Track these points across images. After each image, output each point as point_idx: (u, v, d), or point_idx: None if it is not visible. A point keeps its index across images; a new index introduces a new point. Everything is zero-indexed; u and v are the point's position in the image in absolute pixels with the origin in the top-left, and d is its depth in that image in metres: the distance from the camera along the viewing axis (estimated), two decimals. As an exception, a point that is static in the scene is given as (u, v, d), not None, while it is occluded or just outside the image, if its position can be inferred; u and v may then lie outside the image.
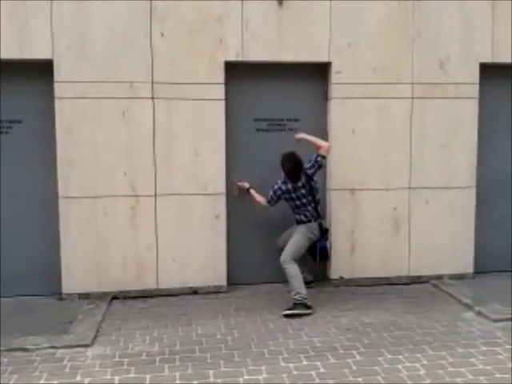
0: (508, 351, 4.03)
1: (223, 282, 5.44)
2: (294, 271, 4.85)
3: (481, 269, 5.90)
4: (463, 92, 5.66)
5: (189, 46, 5.24)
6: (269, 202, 5.09)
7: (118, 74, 5.15)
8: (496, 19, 5.64)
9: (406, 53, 5.56)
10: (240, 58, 5.32)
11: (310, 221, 4.96)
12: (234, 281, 5.54)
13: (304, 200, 4.92)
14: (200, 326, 4.56)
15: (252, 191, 5.28)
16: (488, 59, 5.67)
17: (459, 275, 5.81)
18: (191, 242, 5.36)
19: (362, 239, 5.64)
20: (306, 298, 4.80)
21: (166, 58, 5.21)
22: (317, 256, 5.04)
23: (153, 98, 5.22)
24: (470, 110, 5.70)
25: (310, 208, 4.95)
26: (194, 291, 5.39)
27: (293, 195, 4.92)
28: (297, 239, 4.95)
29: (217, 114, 5.32)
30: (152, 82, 5.20)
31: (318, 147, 5.04)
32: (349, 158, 5.56)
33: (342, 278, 5.65)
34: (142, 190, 5.27)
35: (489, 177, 5.92)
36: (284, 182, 4.95)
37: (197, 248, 5.37)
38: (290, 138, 5.23)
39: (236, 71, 5.39)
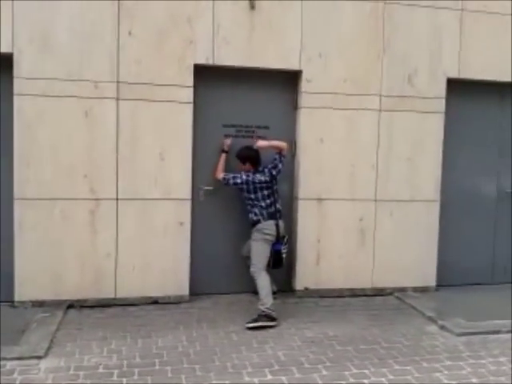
0: (472, 366, 4.02)
1: (185, 291, 5.27)
2: (261, 281, 4.76)
3: (443, 282, 5.94)
4: (430, 106, 5.70)
5: (157, 47, 5.08)
6: (223, 178, 5.06)
7: (81, 71, 4.94)
8: (463, 35, 5.72)
9: (375, 64, 5.56)
10: (210, 62, 5.20)
11: (259, 220, 4.88)
12: (196, 290, 5.38)
13: (259, 194, 4.90)
14: (160, 337, 4.38)
15: (223, 157, 5.23)
16: (455, 75, 5.74)
17: (422, 288, 5.83)
18: (153, 249, 5.18)
19: (328, 249, 5.58)
20: (271, 310, 4.70)
21: (133, 57, 5.04)
22: (270, 261, 4.88)
23: (118, 98, 5.03)
24: (436, 124, 5.74)
25: (263, 204, 4.89)
26: (154, 301, 5.20)
27: (250, 187, 4.89)
28: (254, 248, 4.87)
29: (184, 117, 5.18)
30: (117, 82, 5.02)
31: (280, 150, 5.11)
32: (316, 167, 5.51)
33: (306, 288, 5.57)
34: (102, 194, 5.06)
35: (453, 191, 5.98)
36: (247, 175, 4.94)
37: (159, 256, 5.19)
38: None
39: (206, 75, 5.27)
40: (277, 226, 4.90)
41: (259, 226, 4.88)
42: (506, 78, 5.87)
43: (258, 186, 4.91)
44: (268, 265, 4.90)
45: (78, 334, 4.38)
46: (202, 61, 5.18)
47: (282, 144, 5.13)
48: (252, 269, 4.84)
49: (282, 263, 4.96)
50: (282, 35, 5.32)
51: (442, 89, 5.72)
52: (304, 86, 5.42)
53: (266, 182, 4.94)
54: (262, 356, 4.08)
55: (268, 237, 4.86)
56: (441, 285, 5.91)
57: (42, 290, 4.97)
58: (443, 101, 5.73)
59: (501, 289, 6.00)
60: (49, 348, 4.05)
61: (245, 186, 4.92)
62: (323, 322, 4.87)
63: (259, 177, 4.93)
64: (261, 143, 5.10)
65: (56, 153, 4.95)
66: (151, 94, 5.09)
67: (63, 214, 4.99)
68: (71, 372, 3.71)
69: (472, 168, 6.09)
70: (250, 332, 4.56)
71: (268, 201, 4.92)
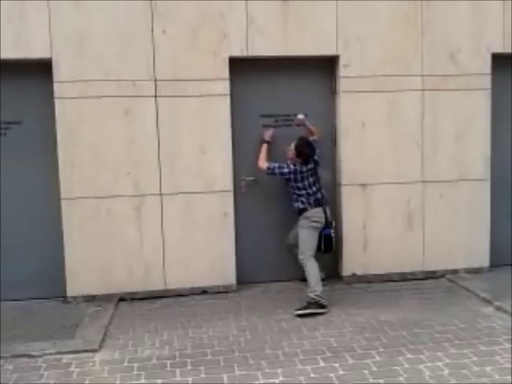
0: (533, 348, 3.87)
1: (233, 281, 5.28)
2: (310, 268, 4.71)
3: (497, 262, 5.72)
4: (475, 83, 5.48)
5: (192, 42, 5.06)
6: (268, 168, 4.93)
7: (119, 71, 4.98)
8: (507, 8, 5.44)
9: (415, 44, 5.37)
10: (245, 54, 5.15)
11: (305, 208, 4.81)
12: (243, 279, 5.37)
13: (306, 182, 4.82)
14: (211, 327, 4.40)
15: (265, 147, 5.13)
16: (500, 49, 5.49)
17: (475, 269, 5.64)
18: (199, 240, 5.20)
19: (375, 235, 5.47)
20: (320, 297, 4.65)
21: (169, 54, 5.04)
22: (321, 245, 4.83)
23: (156, 95, 5.05)
24: (482, 102, 5.51)
25: (310, 191, 4.82)
26: (203, 291, 5.23)
27: (298, 176, 4.80)
28: (302, 236, 4.81)
29: (222, 110, 5.15)
30: (155, 80, 5.03)
31: (313, 133, 5.15)
32: (359, 152, 5.39)
33: (354, 274, 5.48)
34: (146, 190, 5.10)
35: (503, 169, 5.74)
36: (294, 164, 4.86)
37: (205, 247, 5.21)
38: (298, 133, 5.07)
39: (241, 67, 5.21)
40: (324, 212, 4.84)
41: (306, 213, 4.82)
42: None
43: (305, 174, 4.83)
44: (319, 249, 4.85)
45: (130, 327, 4.45)
46: (236, 53, 5.14)
47: (315, 129, 5.19)
48: (300, 256, 4.79)
49: (332, 247, 4.92)
50: (317, 20, 5.20)
51: (486, 65, 5.48)
52: (342, 70, 5.30)
53: (311, 169, 4.87)
54: (313, 343, 4.03)
55: (316, 224, 4.80)
56: (494, 265, 5.70)
57: (93, 285, 5.07)
58: (489, 77, 5.49)
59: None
60: (102, 341, 4.12)
61: (292, 176, 4.83)
62: (374, 307, 4.78)
63: (305, 165, 4.86)
64: (301, 117, 5.17)
65: (99, 152, 5.01)
66: (188, 89, 5.08)
67: (109, 211, 5.07)
68: (125, 364, 3.76)
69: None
70: (299, 319, 4.52)
71: (314, 188, 4.86)
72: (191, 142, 5.14)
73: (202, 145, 5.15)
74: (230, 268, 5.27)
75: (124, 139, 5.04)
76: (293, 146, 4.87)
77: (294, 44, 5.20)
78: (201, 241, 5.20)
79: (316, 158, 4.96)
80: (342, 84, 5.32)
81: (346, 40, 5.27)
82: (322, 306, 4.64)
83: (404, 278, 5.54)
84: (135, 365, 3.74)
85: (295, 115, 5.23)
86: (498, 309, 4.64)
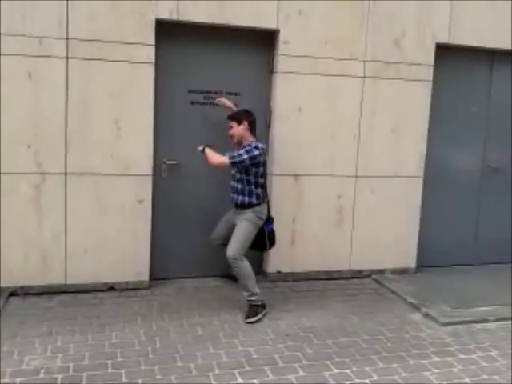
0: (462, 362, 3.66)
1: (145, 276, 4.72)
2: (246, 269, 4.17)
3: (422, 263, 5.57)
4: (417, 73, 5.20)
5: (113, -1, 4.39)
6: (231, 157, 4.11)
7: (24, 26, 4.22)
8: (455, -2, 5.22)
9: (360, 26, 4.99)
10: (174, 17, 4.54)
11: (259, 204, 4.29)
12: (157, 275, 4.84)
13: (261, 168, 4.26)
14: (115, 332, 3.83)
15: (208, 149, 4.23)
16: (445, 39, 5.24)
17: (401, 270, 5.45)
18: (109, 230, 4.59)
19: (304, 230, 5.11)
20: (262, 299, 4.27)
21: (86, 9, 4.32)
22: (266, 242, 4.40)
23: (67, 57, 4.34)
24: (422, 94, 5.26)
25: (262, 183, 4.31)
26: (110, 287, 4.64)
27: (261, 158, 4.20)
28: (245, 229, 4.22)
29: (144, 80, 4.53)
30: (67, 38, 4.32)
31: None
32: (294, 139, 4.97)
33: (279, 272, 5.11)
34: (49, 167, 4.41)
35: (437, 167, 5.55)
36: (256, 142, 4.25)
37: (115, 237, 4.61)
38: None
39: (170, 32, 4.61)
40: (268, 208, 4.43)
41: (257, 208, 4.28)
42: (499, 45, 5.42)
43: (263, 159, 4.25)
44: (263, 247, 4.45)
45: (18, 329, 3.79)
46: (165, 16, 4.52)
47: None
48: (231, 253, 4.12)
49: (274, 242, 4.52)
50: (256, -12, 4.69)
51: (430, 55, 5.22)
52: (281, 47, 4.82)
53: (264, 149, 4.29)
54: (231, 354, 3.60)
55: (260, 222, 4.32)
56: (420, 266, 5.54)
57: (-21, 276, 4.36)
58: (431, 68, 5.24)
59: (484, 270, 5.70)
60: (-19, 348, 3.48)
61: (262, 158, 4.19)
62: (298, 310, 4.43)
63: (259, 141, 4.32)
64: (223, 100, 4.70)
65: (-5, 120, 4.27)
66: (106, 52, 4.41)
67: (3, 189, 4.34)
68: (6, 380, 3.13)
69: (457, 141, 5.66)
70: (217, 323, 4.07)
71: (264, 179, 4.37)
72: (106, 114, 4.47)
73: (119, 119, 4.50)
74: (143, 261, 4.70)
75: (26, 106, 4.30)
76: (233, 122, 4.32)
77: (230, 11, 4.64)
78: (111, 230, 4.59)
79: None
80: (280, 63, 4.85)
81: (288, 12, 4.78)
82: (264, 306, 4.28)
83: (330, 276, 5.24)
84: (18, 380, 3.13)
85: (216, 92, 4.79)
86: (426, 316, 4.45)
